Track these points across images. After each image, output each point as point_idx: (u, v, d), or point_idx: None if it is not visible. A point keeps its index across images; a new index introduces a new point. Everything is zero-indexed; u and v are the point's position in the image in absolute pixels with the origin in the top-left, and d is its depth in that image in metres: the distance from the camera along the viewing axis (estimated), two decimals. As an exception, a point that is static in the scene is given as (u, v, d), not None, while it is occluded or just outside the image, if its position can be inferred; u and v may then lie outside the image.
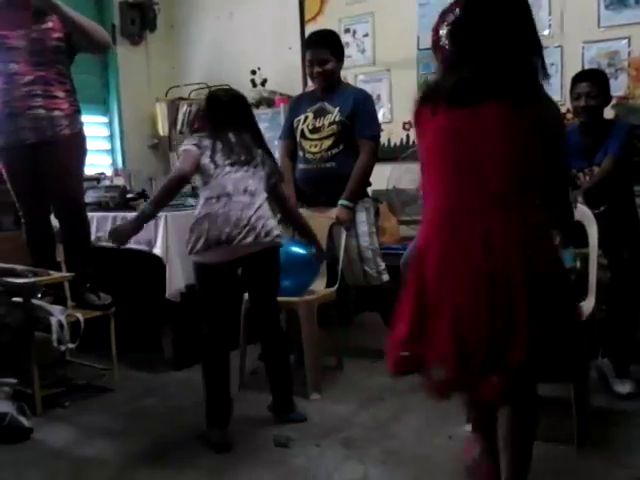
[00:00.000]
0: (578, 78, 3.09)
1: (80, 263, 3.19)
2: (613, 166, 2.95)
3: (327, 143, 3.31)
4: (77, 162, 3.23)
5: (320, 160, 3.34)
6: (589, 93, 2.97)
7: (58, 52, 3.09)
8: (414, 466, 2.25)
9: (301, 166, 3.37)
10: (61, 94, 3.11)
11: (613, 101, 3.25)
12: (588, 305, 2.42)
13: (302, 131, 3.39)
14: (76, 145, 3.19)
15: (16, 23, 3.01)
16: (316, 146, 3.34)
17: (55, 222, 3.27)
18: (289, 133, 3.48)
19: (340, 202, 3.25)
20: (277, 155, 4.07)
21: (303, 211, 3.41)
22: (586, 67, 3.75)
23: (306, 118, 3.37)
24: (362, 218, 3.34)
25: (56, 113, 3.08)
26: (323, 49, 3.27)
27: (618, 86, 3.65)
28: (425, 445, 2.39)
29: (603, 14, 3.82)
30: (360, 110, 3.28)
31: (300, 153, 3.41)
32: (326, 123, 3.31)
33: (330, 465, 2.28)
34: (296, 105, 3.53)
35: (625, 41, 3.78)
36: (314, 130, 3.34)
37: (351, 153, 3.29)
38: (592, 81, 3.02)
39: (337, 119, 3.28)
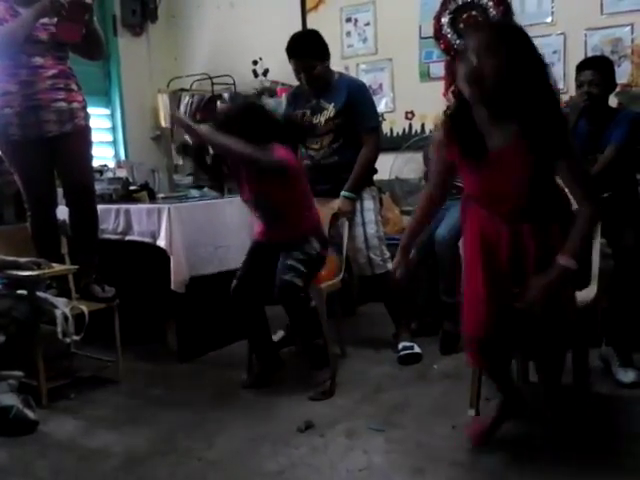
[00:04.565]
0: (582, 66, 3.07)
1: (87, 251, 3.23)
2: (615, 154, 2.93)
3: (327, 140, 3.31)
4: (90, 151, 3.31)
5: (322, 157, 3.34)
6: (592, 81, 2.95)
7: (67, 45, 3.15)
8: (418, 456, 2.25)
9: (305, 162, 3.35)
10: (75, 87, 3.19)
11: (617, 89, 3.23)
12: (589, 293, 2.41)
13: None
14: (88, 135, 3.28)
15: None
16: (317, 143, 3.34)
17: (60, 215, 3.28)
18: None
19: (342, 193, 3.24)
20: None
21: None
22: (589, 54, 3.72)
23: (304, 114, 3.35)
24: (369, 206, 3.34)
25: (75, 105, 3.15)
26: (305, 58, 3.23)
27: (621, 73, 3.64)
28: (428, 434, 2.40)
29: (606, 1, 3.79)
30: (356, 102, 3.25)
31: (302, 149, 3.41)
32: (322, 120, 3.29)
33: (334, 455, 2.29)
34: (293, 100, 3.50)
35: (628, 28, 3.76)
36: (312, 128, 3.33)
37: (352, 145, 3.28)
38: (595, 69, 3.00)
39: (332, 115, 3.27)
